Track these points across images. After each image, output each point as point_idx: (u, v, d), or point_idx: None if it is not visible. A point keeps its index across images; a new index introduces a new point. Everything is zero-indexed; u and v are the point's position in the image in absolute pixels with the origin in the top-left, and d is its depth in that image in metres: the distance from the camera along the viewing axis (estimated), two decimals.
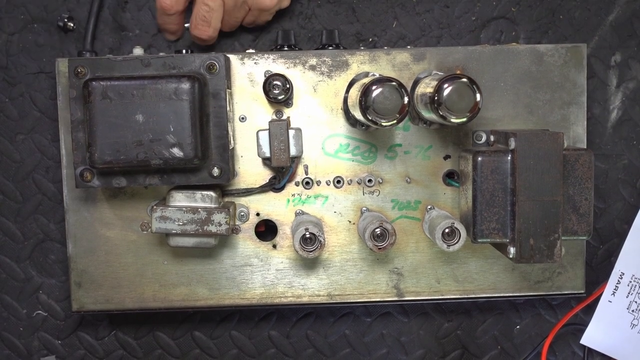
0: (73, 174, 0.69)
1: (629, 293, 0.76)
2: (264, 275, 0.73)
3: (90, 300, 0.73)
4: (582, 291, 0.75)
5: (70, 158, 0.71)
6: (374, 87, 0.60)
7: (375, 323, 0.79)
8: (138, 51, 0.70)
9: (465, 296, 0.74)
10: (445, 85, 0.60)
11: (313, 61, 0.70)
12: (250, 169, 0.71)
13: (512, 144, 0.62)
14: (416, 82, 0.69)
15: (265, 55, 0.70)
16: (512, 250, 0.62)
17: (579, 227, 0.63)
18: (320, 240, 0.67)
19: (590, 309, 0.77)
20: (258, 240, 0.73)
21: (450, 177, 0.72)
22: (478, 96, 0.61)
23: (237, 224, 0.72)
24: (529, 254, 0.61)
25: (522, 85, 0.71)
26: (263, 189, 0.72)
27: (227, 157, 0.67)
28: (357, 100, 0.61)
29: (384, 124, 0.61)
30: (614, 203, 0.78)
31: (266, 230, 0.73)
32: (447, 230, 0.66)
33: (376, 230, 0.67)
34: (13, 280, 0.77)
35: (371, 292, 0.73)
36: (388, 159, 0.72)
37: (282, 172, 0.71)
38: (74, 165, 0.67)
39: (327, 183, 0.72)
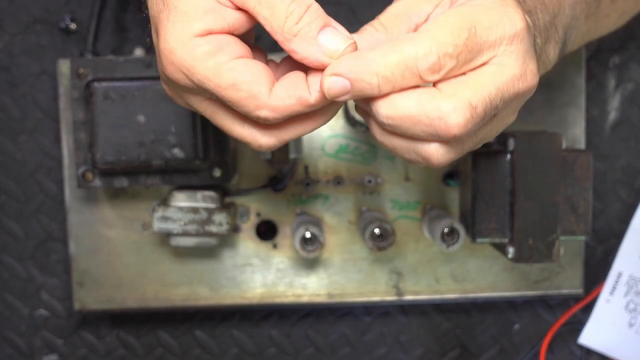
0: (75, 174, 0.69)
1: (626, 293, 0.76)
2: (265, 275, 0.73)
3: (92, 300, 0.73)
4: (580, 291, 0.75)
5: (72, 158, 0.71)
6: None
7: (375, 322, 0.79)
8: (139, 52, 0.71)
9: (465, 295, 0.74)
10: None
11: None
12: (251, 170, 0.72)
13: (511, 144, 0.62)
14: None
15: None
16: (511, 250, 0.62)
17: (577, 227, 0.63)
18: (320, 240, 0.68)
19: (589, 309, 0.77)
20: (258, 240, 0.73)
21: (450, 177, 0.72)
22: None
23: (237, 224, 0.73)
24: (527, 253, 0.61)
25: None
26: (263, 189, 0.72)
27: (228, 157, 0.68)
28: None
29: None
30: (612, 203, 0.78)
31: (267, 230, 0.74)
32: (446, 230, 0.66)
33: (376, 230, 0.67)
34: (15, 279, 0.78)
35: (371, 292, 0.74)
36: (388, 160, 0.72)
37: (282, 172, 0.71)
38: (75, 166, 0.68)
39: (327, 183, 0.72)
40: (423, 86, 0.43)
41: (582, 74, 0.72)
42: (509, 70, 0.43)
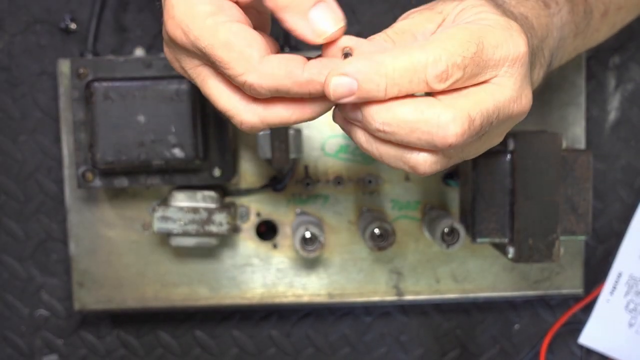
0: (75, 174, 0.69)
1: (626, 292, 0.76)
2: (265, 275, 0.73)
3: (92, 300, 0.73)
4: (581, 291, 0.75)
5: (72, 158, 0.71)
6: None
7: (375, 322, 0.79)
8: (139, 52, 0.71)
9: (465, 295, 0.74)
10: None
11: None
12: (251, 169, 0.72)
13: (511, 144, 0.62)
14: None
15: None
16: (511, 250, 0.62)
17: (577, 227, 0.63)
18: (321, 240, 0.68)
19: (589, 309, 0.77)
20: (258, 240, 0.73)
21: (450, 177, 0.72)
22: None
23: (237, 224, 0.73)
24: (527, 253, 0.61)
25: None
26: (264, 189, 0.72)
27: (228, 157, 0.68)
28: None
29: None
30: (612, 203, 0.78)
31: (267, 230, 0.74)
32: (446, 230, 0.66)
33: (376, 230, 0.67)
34: (15, 279, 0.78)
35: (371, 292, 0.74)
36: None
37: (282, 172, 0.71)
38: (75, 166, 0.68)
39: (327, 183, 0.72)
40: (418, 95, 0.43)
41: (582, 73, 0.72)
42: (507, 92, 0.44)
